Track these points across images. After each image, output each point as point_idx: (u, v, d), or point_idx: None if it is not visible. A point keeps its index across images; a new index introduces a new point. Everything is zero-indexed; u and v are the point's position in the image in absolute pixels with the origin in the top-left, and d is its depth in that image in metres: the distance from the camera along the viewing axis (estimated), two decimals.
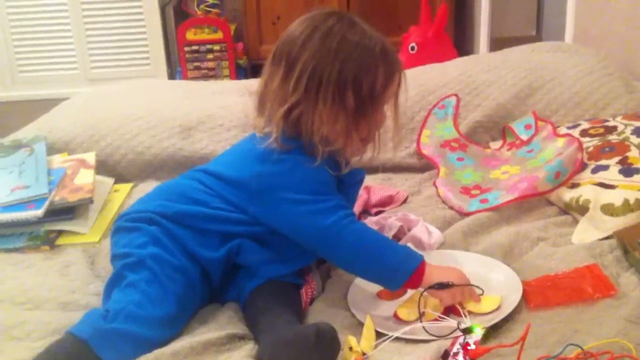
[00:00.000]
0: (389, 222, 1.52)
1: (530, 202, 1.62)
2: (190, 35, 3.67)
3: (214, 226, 1.31)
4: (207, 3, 3.76)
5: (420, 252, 1.42)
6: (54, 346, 1.14)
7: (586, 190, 1.53)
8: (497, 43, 3.01)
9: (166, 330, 1.20)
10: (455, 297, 1.23)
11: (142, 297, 1.21)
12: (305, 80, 1.26)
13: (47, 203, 1.57)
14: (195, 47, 3.66)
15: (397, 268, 1.23)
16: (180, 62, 3.70)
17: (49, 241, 1.55)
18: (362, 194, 1.70)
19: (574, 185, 1.58)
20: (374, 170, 1.89)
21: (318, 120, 1.27)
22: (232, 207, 1.32)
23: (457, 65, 2.21)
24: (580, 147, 1.64)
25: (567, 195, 1.57)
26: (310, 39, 1.27)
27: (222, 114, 1.97)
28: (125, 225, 1.34)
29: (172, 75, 3.85)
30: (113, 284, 1.27)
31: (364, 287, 1.33)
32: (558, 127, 1.84)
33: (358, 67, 1.27)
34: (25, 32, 3.76)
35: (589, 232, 1.44)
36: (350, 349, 1.12)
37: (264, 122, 1.33)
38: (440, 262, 1.38)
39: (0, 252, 1.51)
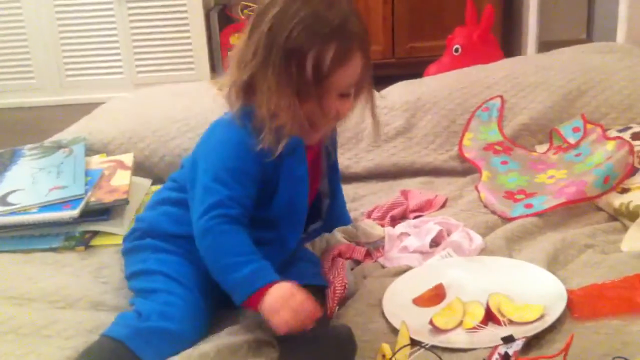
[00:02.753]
0: (428, 225, 1.47)
1: (578, 207, 1.55)
2: (234, 39, 3.67)
3: (179, 228, 1.29)
4: (251, 8, 3.76)
5: (458, 257, 1.38)
6: (91, 350, 1.13)
7: (637, 196, 1.46)
8: (546, 46, 2.92)
9: (196, 322, 1.19)
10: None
11: (167, 295, 1.20)
12: (262, 42, 1.17)
13: (83, 203, 1.57)
14: None
15: (236, 286, 1.15)
16: (224, 66, 3.70)
17: (84, 242, 1.54)
18: (400, 200, 1.66)
19: (624, 191, 1.51)
20: (415, 173, 1.85)
21: (267, 90, 1.17)
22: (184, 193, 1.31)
23: (502, 67, 2.14)
24: (631, 151, 1.57)
25: (617, 200, 1.49)
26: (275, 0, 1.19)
27: None
28: (129, 247, 1.38)
29: None
30: (135, 297, 1.28)
31: (400, 292, 1.29)
32: (608, 130, 1.76)
33: (305, 36, 1.15)
34: (72, 37, 3.82)
35: None
36: (384, 356, 1.08)
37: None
38: (481, 269, 1.34)
39: (37, 252, 1.51)
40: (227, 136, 1.25)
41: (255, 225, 1.23)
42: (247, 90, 1.22)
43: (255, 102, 1.21)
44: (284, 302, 1.10)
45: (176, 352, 1.12)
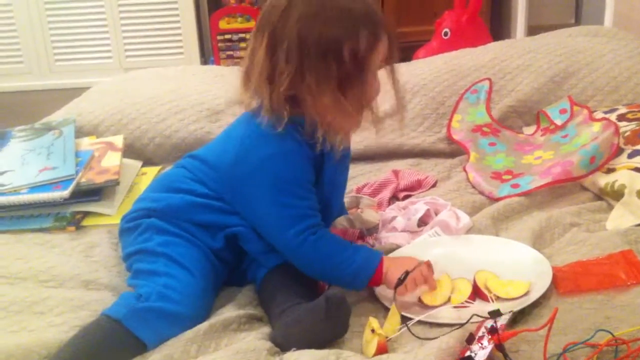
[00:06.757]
0: (416, 205, 1.48)
1: (564, 187, 1.57)
2: (223, 24, 3.66)
3: (203, 216, 1.30)
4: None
5: (446, 235, 1.39)
6: (89, 327, 1.14)
7: (622, 176, 1.48)
8: (535, 31, 2.93)
9: (197, 304, 1.20)
10: (412, 284, 1.21)
11: (168, 278, 1.21)
12: (293, 48, 1.18)
13: (73, 184, 1.57)
14: (228, 36, 3.66)
15: (356, 274, 1.23)
16: (213, 51, 3.70)
17: (75, 222, 1.55)
18: (391, 178, 1.67)
19: (610, 171, 1.53)
20: (404, 155, 1.87)
21: (308, 93, 1.20)
22: (214, 194, 1.30)
23: (490, 50, 2.16)
24: (617, 132, 1.59)
25: (602, 180, 1.52)
26: (291, 4, 1.19)
27: None
28: (127, 226, 1.36)
29: (205, 64, 3.85)
30: (135, 279, 1.27)
31: None
32: (594, 111, 1.78)
33: (337, 30, 1.18)
34: (61, 20, 3.80)
35: (624, 217, 1.39)
36: (373, 331, 1.10)
37: (249, 96, 1.27)
38: (468, 247, 1.36)
39: (27, 232, 1.52)
40: (283, 149, 1.25)
41: None
42: (289, 99, 1.22)
43: (302, 109, 1.23)
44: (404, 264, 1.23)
45: (177, 334, 1.13)
